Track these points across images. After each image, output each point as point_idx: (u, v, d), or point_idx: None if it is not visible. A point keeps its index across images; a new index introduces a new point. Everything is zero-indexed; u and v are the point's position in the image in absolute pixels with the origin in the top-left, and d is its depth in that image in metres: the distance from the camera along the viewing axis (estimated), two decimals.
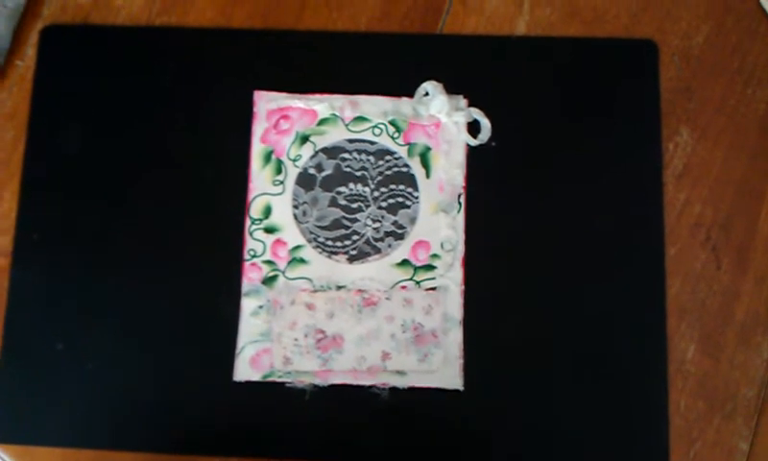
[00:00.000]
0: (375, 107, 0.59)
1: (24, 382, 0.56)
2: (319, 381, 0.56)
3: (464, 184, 0.58)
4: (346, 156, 0.59)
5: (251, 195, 0.58)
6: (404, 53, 0.60)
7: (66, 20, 0.62)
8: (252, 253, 0.57)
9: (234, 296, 0.57)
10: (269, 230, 0.58)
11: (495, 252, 0.57)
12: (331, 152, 0.59)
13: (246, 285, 0.57)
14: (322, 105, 0.59)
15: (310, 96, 0.59)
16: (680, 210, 0.58)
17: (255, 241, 0.58)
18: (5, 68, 0.61)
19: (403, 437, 0.55)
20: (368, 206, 0.58)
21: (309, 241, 0.58)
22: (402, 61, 0.60)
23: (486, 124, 0.58)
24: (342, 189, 0.58)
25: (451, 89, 0.59)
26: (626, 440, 0.55)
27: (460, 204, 0.58)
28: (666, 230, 0.57)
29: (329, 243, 0.58)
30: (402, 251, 0.57)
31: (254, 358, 0.56)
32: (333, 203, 0.58)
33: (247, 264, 0.57)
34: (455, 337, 0.56)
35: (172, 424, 0.56)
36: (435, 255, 0.57)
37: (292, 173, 0.59)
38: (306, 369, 0.56)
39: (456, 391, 0.55)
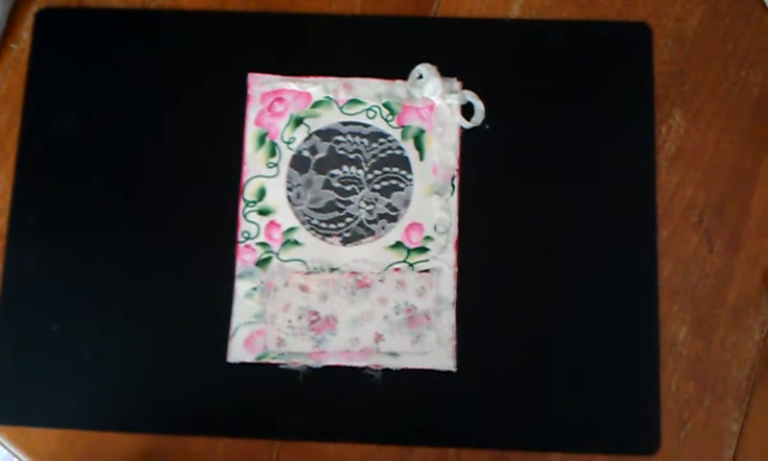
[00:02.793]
0: (369, 89, 0.59)
1: (19, 364, 0.56)
2: (312, 363, 0.56)
3: (457, 167, 0.58)
4: (340, 138, 0.59)
5: (245, 177, 0.58)
6: (398, 35, 0.60)
7: (61, 3, 0.62)
8: (245, 235, 0.58)
9: (228, 278, 0.57)
10: (263, 213, 0.58)
11: (488, 234, 0.57)
12: (325, 134, 0.59)
13: (240, 267, 0.57)
14: (316, 87, 0.59)
15: (304, 79, 0.59)
16: (672, 193, 0.58)
17: (249, 223, 0.58)
18: (0, 51, 0.61)
19: (396, 418, 0.55)
20: (361, 189, 0.58)
21: (303, 223, 0.58)
22: (396, 44, 0.60)
23: (479, 107, 0.58)
24: (336, 172, 0.58)
25: (445, 72, 0.59)
26: (618, 421, 0.55)
27: (453, 186, 0.58)
28: (659, 212, 0.57)
29: (323, 225, 0.58)
30: (396, 233, 0.57)
31: (248, 340, 0.56)
32: (327, 185, 0.58)
33: (241, 246, 0.57)
34: (448, 319, 0.56)
35: (166, 405, 0.56)
36: (428, 238, 0.57)
37: (286, 155, 0.59)
38: (300, 350, 0.56)
39: (449, 372, 0.55)
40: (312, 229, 0.58)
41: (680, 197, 0.58)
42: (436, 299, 0.56)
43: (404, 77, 0.59)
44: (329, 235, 0.58)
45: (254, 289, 0.57)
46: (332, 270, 0.57)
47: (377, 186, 0.58)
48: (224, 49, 0.60)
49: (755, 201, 0.58)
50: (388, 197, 0.58)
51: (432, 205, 0.58)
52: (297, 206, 0.58)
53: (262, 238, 0.57)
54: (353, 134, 0.59)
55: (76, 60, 0.61)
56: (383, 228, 0.58)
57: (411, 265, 0.57)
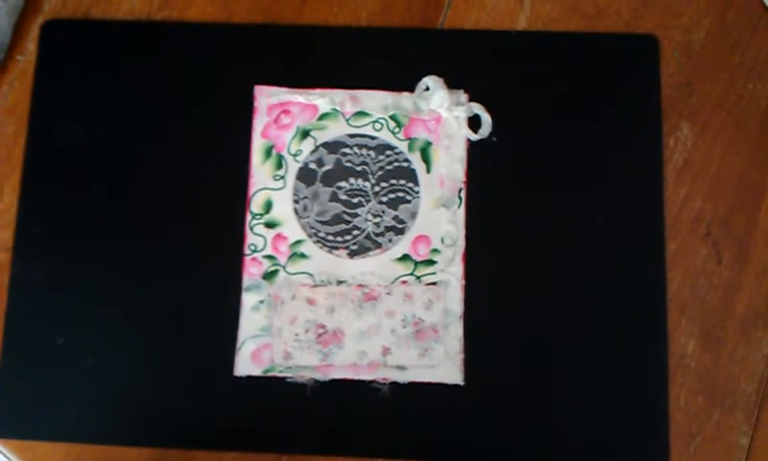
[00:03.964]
0: (376, 101, 0.59)
1: (25, 377, 0.56)
2: (319, 376, 0.56)
3: (464, 179, 0.58)
4: (346, 150, 0.59)
5: (251, 190, 0.58)
6: (405, 47, 0.60)
7: (67, 15, 0.62)
8: (252, 247, 0.57)
9: (235, 291, 0.57)
10: (269, 225, 0.58)
11: (496, 247, 0.57)
12: (332, 147, 0.59)
13: (246, 280, 0.57)
14: (322, 99, 0.59)
15: (311, 91, 0.59)
16: (680, 205, 0.58)
17: (256, 236, 0.58)
18: (6, 63, 0.61)
19: (404, 432, 0.55)
20: (368, 201, 0.58)
21: (310, 236, 0.58)
22: (403, 56, 0.60)
23: (486, 119, 0.58)
24: (342, 184, 0.58)
25: (452, 84, 0.59)
26: (626, 435, 0.55)
27: (460, 198, 0.58)
28: (667, 224, 0.57)
29: (330, 238, 0.58)
30: (403, 246, 0.57)
31: (255, 353, 0.56)
32: (334, 197, 0.58)
33: (247, 259, 0.57)
34: (455, 332, 0.56)
35: (173, 418, 0.56)
36: (435, 250, 0.57)
37: (292, 168, 0.59)
38: (307, 364, 0.56)
39: (456, 386, 0.55)
40: (319, 241, 0.57)
41: (687, 209, 0.58)
42: (443, 312, 0.56)
43: (411, 89, 0.59)
44: (336, 248, 0.57)
45: (261, 302, 0.57)
46: (339, 283, 0.57)
47: (384, 199, 0.58)
48: (230, 61, 0.60)
49: (762, 213, 0.58)
50: (395, 209, 0.58)
51: (439, 217, 0.57)
52: (303, 218, 0.58)
53: (269, 251, 0.57)
54: (360, 147, 0.59)
55: (82, 71, 0.60)
56: (390, 240, 0.57)
57: (418, 278, 0.57)
